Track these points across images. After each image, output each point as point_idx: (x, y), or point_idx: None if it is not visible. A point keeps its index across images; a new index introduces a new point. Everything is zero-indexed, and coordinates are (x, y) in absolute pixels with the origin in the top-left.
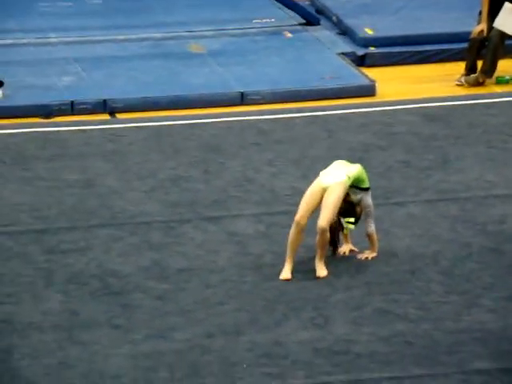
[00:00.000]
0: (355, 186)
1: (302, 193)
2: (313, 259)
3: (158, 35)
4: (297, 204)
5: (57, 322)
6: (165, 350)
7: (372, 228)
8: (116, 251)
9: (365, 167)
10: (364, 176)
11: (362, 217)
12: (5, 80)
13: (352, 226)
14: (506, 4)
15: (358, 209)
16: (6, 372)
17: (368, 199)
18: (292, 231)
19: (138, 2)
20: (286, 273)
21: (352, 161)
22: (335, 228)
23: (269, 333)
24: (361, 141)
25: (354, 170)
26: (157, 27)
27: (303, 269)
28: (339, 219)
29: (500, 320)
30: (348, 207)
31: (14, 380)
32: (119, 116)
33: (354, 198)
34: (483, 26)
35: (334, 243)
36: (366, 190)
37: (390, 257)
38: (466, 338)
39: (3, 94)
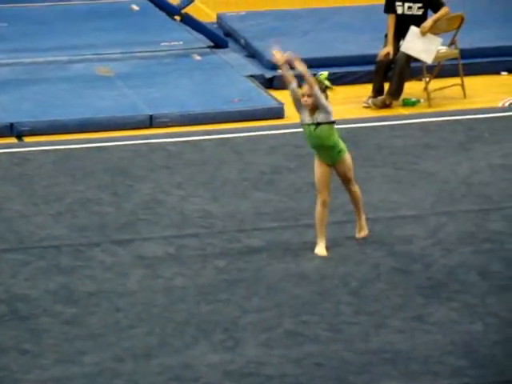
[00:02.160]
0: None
1: (211, 215)
2: (224, 282)
3: (65, 58)
4: (207, 226)
5: None
6: (74, 375)
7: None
8: (23, 275)
9: (274, 189)
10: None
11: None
12: None
13: (328, 83)
14: (412, 28)
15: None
16: None
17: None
18: (319, 210)
19: (45, 25)
20: (321, 249)
21: (261, 183)
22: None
23: (179, 356)
24: (270, 163)
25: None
26: (64, 50)
27: (213, 291)
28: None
29: (408, 340)
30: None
31: None
32: (26, 139)
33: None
34: (389, 49)
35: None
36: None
37: (300, 278)
38: (375, 359)
39: None
